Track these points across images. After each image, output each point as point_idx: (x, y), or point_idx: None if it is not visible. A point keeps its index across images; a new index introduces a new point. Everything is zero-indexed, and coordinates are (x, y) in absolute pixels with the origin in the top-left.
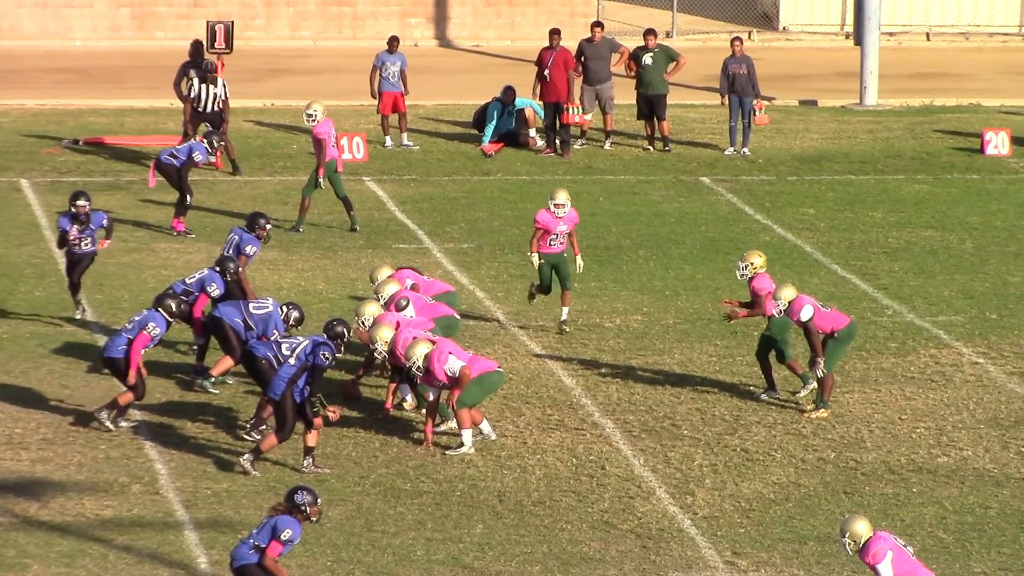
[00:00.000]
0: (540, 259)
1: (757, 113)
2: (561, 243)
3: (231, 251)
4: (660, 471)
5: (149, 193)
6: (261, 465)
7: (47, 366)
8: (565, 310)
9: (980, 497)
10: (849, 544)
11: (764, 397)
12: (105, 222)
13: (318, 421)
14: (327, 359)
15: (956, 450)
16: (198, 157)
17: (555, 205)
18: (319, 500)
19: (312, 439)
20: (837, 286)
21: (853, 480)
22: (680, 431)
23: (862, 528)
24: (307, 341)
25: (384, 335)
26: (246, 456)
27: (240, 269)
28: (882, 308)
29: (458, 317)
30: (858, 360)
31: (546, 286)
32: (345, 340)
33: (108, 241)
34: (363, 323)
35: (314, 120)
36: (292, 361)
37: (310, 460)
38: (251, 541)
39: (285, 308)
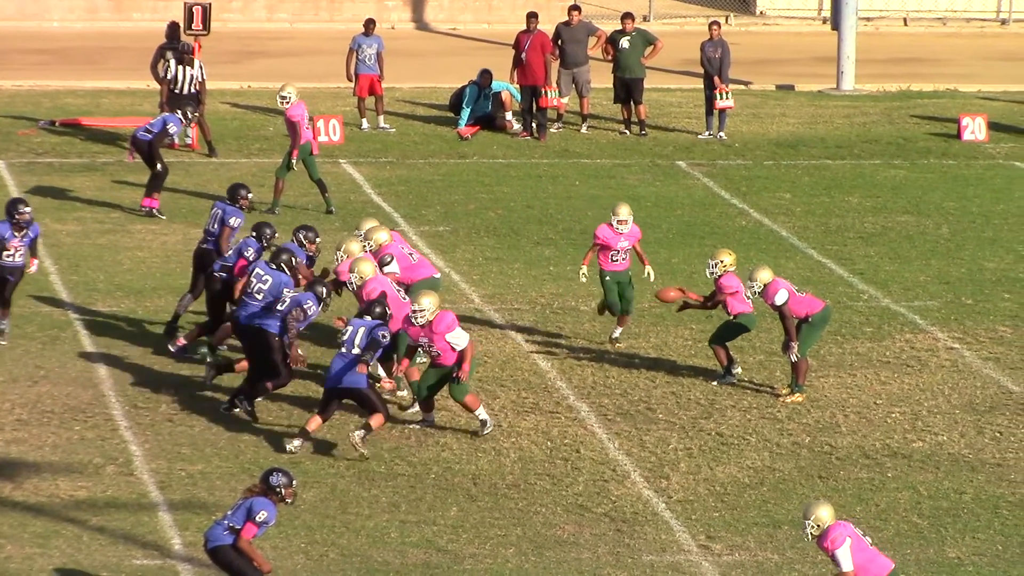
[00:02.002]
0: (587, 275)
1: (719, 97)
2: (624, 260)
3: (216, 225)
4: (635, 455)
5: (125, 175)
6: (235, 447)
7: (22, 347)
8: (619, 330)
9: (955, 482)
10: (812, 527)
11: (728, 378)
12: (39, 234)
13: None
14: (386, 337)
15: (931, 435)
16: (172, 128)
17: (617, 221)
18: (294, 482)
19: (377, 421)
20: (813, 271)
21: (828, 465)
22: (655, 415)
23: (826, 514)
24: (361, 327)
25: (364, 270)
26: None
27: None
28: (858, 293)
29: (438, 276)
30: (833, 345)
31: (613, 302)
32: (388, 313)
33: (36, 261)
34: (339, 258)
35: (287, 103)
36: (356, 350)
37: (363, 432)
38: (226, 522)
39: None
